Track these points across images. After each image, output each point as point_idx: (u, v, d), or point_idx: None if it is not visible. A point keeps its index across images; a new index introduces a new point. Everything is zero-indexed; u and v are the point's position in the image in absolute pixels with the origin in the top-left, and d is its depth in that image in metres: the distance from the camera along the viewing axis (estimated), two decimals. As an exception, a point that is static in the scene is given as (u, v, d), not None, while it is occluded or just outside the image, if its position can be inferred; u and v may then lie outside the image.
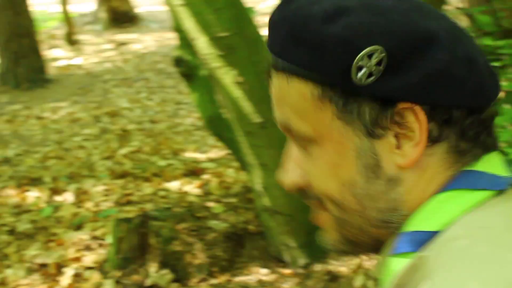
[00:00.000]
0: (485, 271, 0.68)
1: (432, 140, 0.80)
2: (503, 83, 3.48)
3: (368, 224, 0.85)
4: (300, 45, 0.81)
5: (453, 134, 0.80)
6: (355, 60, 0.77)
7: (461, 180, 0.81)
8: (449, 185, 0.80)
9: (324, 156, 0.85)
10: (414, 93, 0.78)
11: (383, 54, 0.76)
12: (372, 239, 0.86)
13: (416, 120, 0.79)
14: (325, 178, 0.86)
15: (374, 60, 0.76)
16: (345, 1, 0.80)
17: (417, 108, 0.78)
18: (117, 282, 3.53)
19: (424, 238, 0.78)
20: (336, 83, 0.80)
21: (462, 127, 0.80)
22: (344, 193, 0.85)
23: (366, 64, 0.77)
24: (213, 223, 3.92)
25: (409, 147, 0.80)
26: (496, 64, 3.78)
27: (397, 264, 0.78)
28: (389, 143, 0.81)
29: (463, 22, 5.36)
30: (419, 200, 0.82)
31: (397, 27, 0.78)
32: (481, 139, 0.82)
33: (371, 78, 0.77)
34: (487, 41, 3.85)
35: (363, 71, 0.77)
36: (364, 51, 0.76)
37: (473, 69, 0.79)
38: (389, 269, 0.80)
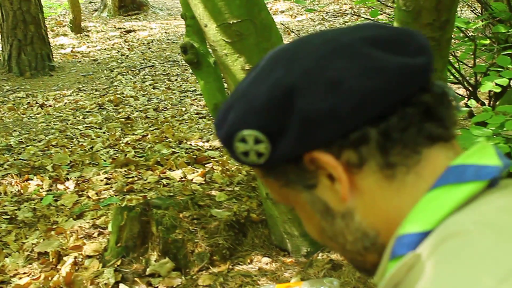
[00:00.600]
0: (483, 265, 0.67)
1: (357, 166, 0.82)
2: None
3: (355, 255, 0.91)
4: (225, 149, 0.91)
5: (374, 149, 0.82)
6: (234, 150, 0.86)
7: (446, 176, 0.81)
8: (435, 184, 0.81)
9: (300, 214, 0.94)
10: (303, 143, 0.82)
11: (254, 133, 0.83)
12: (371, 265, 0.90)
13: (323, 162, 0.83)
14: (310, 230, 0.95)
15: (250, 142, 0.84)
16: (232, 98, 0.89)
17: (314, 153, 0.83)
18: (117, 270, 3.48)
19: (418, 239, 0.78)
20: (255, 166, 0.89)
21: (378, 138, 0.81)
22: (323, 239, 0.93)
23: (245, 148, 0.85)
24: (215, 211, 3.87)
25: (337, 184, 0.84)
26: (508, 51, 3.71)
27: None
28: (326, 186, 0.86)
29: (477, 9, 5.29)
30: (384, 216, 0.85)
31: (262, 104, 0.83)
32: (414, 135, 0.82)
33: (265, 153, 0.84)
34: (501, 29, 3.78)
35: (250, 153, 0.85)
36: (234, 141, 0.85)
37: (340, 89, 0.79)
38: (386, 273, 0.82)
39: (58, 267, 3.64)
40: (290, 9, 15.19)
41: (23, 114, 7.58)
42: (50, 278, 3.51)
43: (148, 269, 3.47)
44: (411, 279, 0.74)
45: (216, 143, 5.92)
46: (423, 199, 0.80)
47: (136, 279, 3.42)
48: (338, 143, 0.81)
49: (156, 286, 3.36)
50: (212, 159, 5.39)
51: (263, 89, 0.84)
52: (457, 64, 4.23)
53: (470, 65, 4.26)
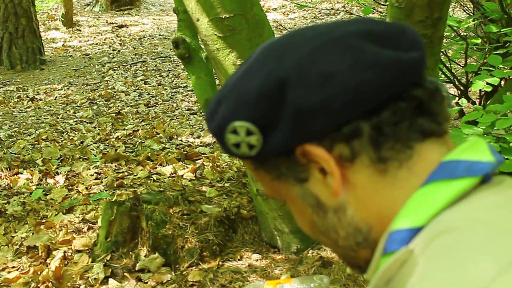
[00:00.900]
0: (476, 261, 0.67)
1: (349, 159, 0.82)
2: (505, 71, 3.42)
3: (348, 251, 0.90)
4: (216, 141, 0.90)
5: (366, 144, 0.81)
6: (225, 141, 0.86)
7: (439, 171, 0.80)
8: (427, 179, 0.80)
9: (291, 208, 0.93)
10: (295, 136, 0.82)
11: (246, 125, 0.83)
12: (364, 261, 0.89)
13: (315, 155, 0.82)
14: (302, 225, 0.95)
15: (242, 134, 0.84)
16: (223, 90, 0.88)
17: (306, 146, 0.82)
18: (106, 265, 3.47)
19: (410, 235, 0.78)
20: (247, 159, 0.88)
21: (370, 132, 0.81)
22: (315, 234, 0.93)
23: (237, 139, 0.84)
24: (205, 207, 3.86)
25: (329, 178, 0.84)
26: (500, 51, 3.73)
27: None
28: (318, 180, 0.85)
29: (469, 9, 5.31)
30: (376, 211, 0.84)
31: (254, 95, 0.82)
32: (406, 129, 0.81)
33: (257, 145, 0.84)
34: (492, 28, 3.79)
35: (242, 145, 0.85)
36: (225, 132, 0.85)
37: (333, 82, 0.79)
38: (378, 268, 0.81)
39: (48, 261, 3.63)
40: (283, 6, 15.19)
41: (13, 108, 7.55)
42: (39, 272, 3.49)
43: (137, 264, 3.46)
44: (403, 275, 0.74)
45: (207, 139, 5.92)
46: (415, 195, 0.80)
47: (125, 274, 3.42)
48: (330, 137, 0.81)
49: (145, 281, 3.35)
50: (202, 155, 5.39)
51: (254, 81, 0.83)
52: (449, 63, 4.24)
53: (461, 65, 4.27)
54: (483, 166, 0.80)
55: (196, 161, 5.22)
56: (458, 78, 4.29)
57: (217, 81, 3.99)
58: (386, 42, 0.82)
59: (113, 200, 4.26)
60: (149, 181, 4.80)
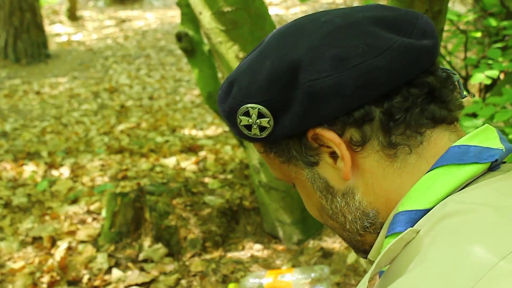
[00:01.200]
0: (483, 242, 0.68)
1: (359, 144, 0.83)
2: (505, 64, 3.44)
3: (354, 235, 0.91)
4: (227, 123, 0.92)
5: (377, 129, 0.82)
6: (237, 123, 0.87)
7: (448, 156, 0.81)
8: (436, 163, 0.81)
9: (300, 191, 0.95)
10: (306, 119, 0.82)
11: (258, 107, 0.83)
12: (370, 245, 0.91)
13: (327, 139, 0.83)
14: (310, 208, 0.96)
15: (254, 116, 0.84)
16: (236, 72, 0.89)
17: (318, 130, 0.82)
18: (110, 256, 3.52)
19: (416, 217, 0.78)
20: (257, 141, 0.89)
21: (382, 118, 0.81)
22: (323, 217, 0.94)
23: (248, 121, 0.85)
24: (208, 198, 3.89)
25: (339, 162, 0.85)
26: (499, 45, 3.75)
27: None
28: (328, 164, 0.87)
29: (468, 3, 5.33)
30: (384, 196, 0.85)
31: (267, 78, 0.83)
32: (417, 115, 0.82)
33: (268, 128, 0.85)
34: (492, 22, 3.81)
35: (253, 127, 0.86)
36: (237, 114, 0.86)
37: (345, 67, 0.79)
38: (383, 248, 0.82)
39: (52, 251, 3.68)
40: (284, 1, 15.18)
41: (18, 101, 7.59)
42: (44, 262, 3.54)
43: (141, 255, 3.50)
44: (408, 254, 0.74)
45: (210, 131, 5.95)
46: (423, 178, 0.81)
47: (129, 264, 3.45)
48: (341, 121, 0.82)
49: (148, 271, 3.39)
50: (205, 147, 5.42)
51: (267, 64, 0.83)
52: (448, 56, 4.27)
53: (461, 58, 4.30)
54: (493, 153, 0.81)
55: (199, 153, 5.26)
56: (458, 71, 4.32)
57: (219, 74, 4.02)
58: (399, 28, 0.83)
59: (117, 191, 4.31)
60: (152, 173, 4.84)
